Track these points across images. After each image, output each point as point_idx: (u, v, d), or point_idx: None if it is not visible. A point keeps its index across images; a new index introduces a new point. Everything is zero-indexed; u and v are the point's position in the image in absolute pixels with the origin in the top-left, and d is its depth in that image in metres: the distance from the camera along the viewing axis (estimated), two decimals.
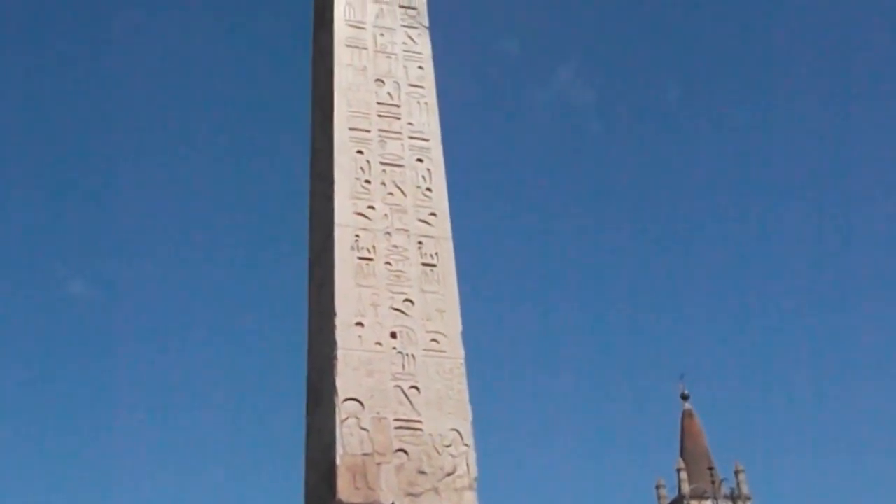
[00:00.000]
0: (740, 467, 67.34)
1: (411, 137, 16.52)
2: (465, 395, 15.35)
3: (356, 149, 16.12)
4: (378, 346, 15.17)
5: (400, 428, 14.91)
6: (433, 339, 15.47)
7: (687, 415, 72.83)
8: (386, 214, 15.91)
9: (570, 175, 43.44)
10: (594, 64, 44.36)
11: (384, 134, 16.38)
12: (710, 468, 60.11)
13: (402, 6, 17.37)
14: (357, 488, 14.50)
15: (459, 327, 15.67)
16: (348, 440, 14.62)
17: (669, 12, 44.58)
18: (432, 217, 16.14)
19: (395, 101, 16.66)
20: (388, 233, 15.81)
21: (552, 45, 44.52)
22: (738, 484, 65.70)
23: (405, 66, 16.98)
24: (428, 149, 16.52)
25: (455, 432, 15.10)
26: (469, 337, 15.63)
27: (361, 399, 14.84)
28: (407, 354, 15.27)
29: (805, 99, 45.34)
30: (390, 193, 16.05)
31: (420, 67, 17.07)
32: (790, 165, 44.82)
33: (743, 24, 45.19)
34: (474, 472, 15.04)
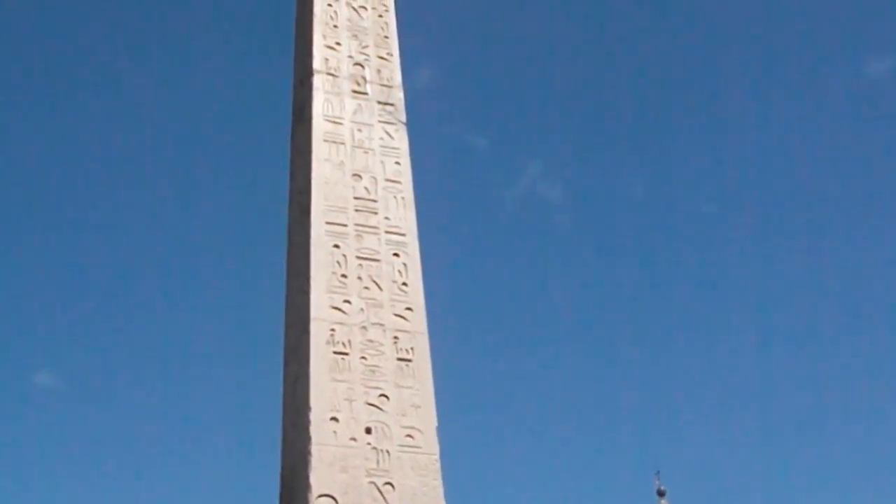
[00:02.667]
0: None
1: (388, 232, 16.57)
2: (440, 492, 15.22)
3: (333, 243, 16.15)
4: (353, 442, 15.06)
5: None
6: (408, 435, 15.37)
7: None
8: (362, 309, 15.89)
9: (542, 269, 43.96)
10: (561, 161, 45.17)
11: (361, 228, 16.42)
12: None
13: (379, 102, 17.53)
14: None
15: (435, 423, 15.58)
16: None
17: (635, 110, 45.40)
18: (408, 312, 16.12)
19: (372, 196, 16.73)
20: (364, 327, 15.78)
21: (520, 142, 45.34)
22: None
23: (382, 161, 17.09)
24: (404, 243, 16.57)
25: None
26: (444, 433, 15.54)
27: (335, 495, 14.69)
28: (382, 450, 15.15)
29: (773, 195, 45.89)
30: (366, 288, 16.05)
31: (397, 163, 17.18)
32: (757, 262, 45.33)
33: (707, 119, 46.00)
34: None
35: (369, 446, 15.10)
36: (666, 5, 47.65)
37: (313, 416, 14.96)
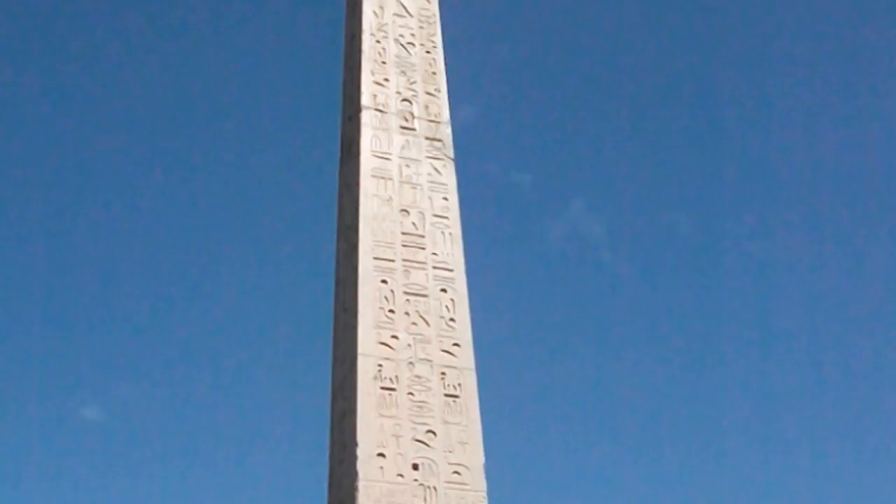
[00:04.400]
0: None
1: (435, 267, 16.55)
2: None
3: (380, 278, 16.14)
4: (400, 478, 14.99)
5: None
6: (455, 472, 15.29)
7: None
8: (409, 344, 15.85)
9: (586, 305, 44.00)
10: (604, 197, 45.23)
11: (408, 264, 16.41)
12: None
13: (427, 138, 17.56)
14: None
15: (482, 459, 15.50)
16: None
17: (679, 144, 45.43)
18: (456, 347, 16.07)
19: (420, 232, 16.73)
20: (412, 363, 15.74)
21: (563, 178, 45.43)
22: None
23: (430, 197, 17.10)
24: (452, 279, 16.54)
25: None
26: (492, 470, 15.45)
27: None
28: (429, 487, 15.08)
29: (820, 232, 45.60)
30: (414, 323, 16.02)
31: (445, 198, 17.18)
32: (803, 299, 44.95)
33: (752, 155, 45.91)
34: None
35: (416, 483, 15.03)
36: (706, 44, 47.49)
37: (360, 452, 14.92)
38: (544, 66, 47.79)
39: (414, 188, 17.08)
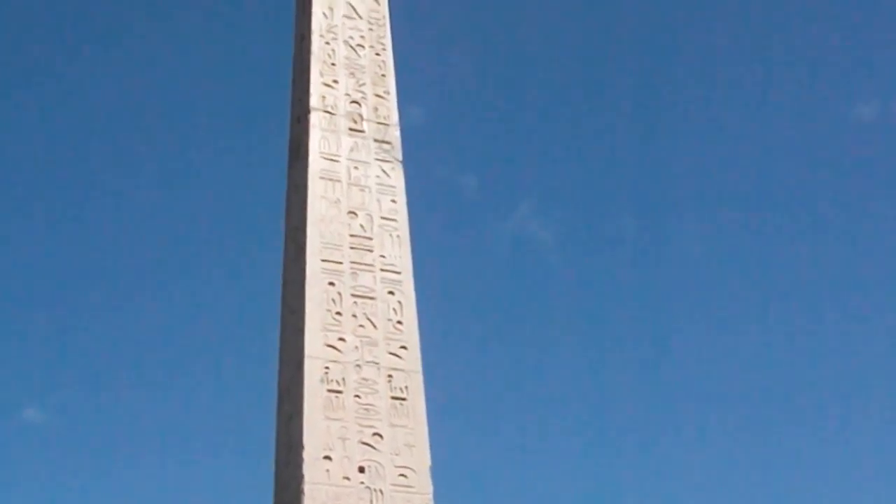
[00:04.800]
0: None
1: (383, 270, 16.54)
2: None
3: (328, 280, 16.11)
4: (346, 481, 14.97)
5: None
6: (402, 475, 15.28)
7: None
8: (356, 347, 15.84)
9: (533, 308, 44.10)
10: (551, 200, 45.38)
11: (356, 266, 16.39)
12: None
13: (376, 140, 17.54)
14: None
15: (429, 462, 15.51)
16: None
17: (624, 146, 45.65)
18: (403, 350, 16.07)
19: (368, 234, 16.72)
20: (359, 365, 15.72)
21: (511, 181, 45.59)
22: None
23: (378, 199, 17.09)
24: (399, 281, 16.53)
25: None
26: (438, 472, 15.46)
27: None
28: (375, 489, 15.06)
29: (765, 233, 45.92)
30: (361, 326, 16.00)
31: (393, 201, 17.18)
32: (751, 300, 45.24)
33: (697, 156, 46.16)
34: None
35: (363, 485, 15.02)
36: (650, 44, 47.73)
37: (306, 455, 14.88)
38: (491, 69, 47.90)
39: (362, 190, 17.06)
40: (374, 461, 15.22)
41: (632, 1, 48.59)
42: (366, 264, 16.46)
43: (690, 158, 47.00)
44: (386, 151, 17.55)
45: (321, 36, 18.05)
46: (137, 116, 46.88)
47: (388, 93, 18.07)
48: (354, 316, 16.01)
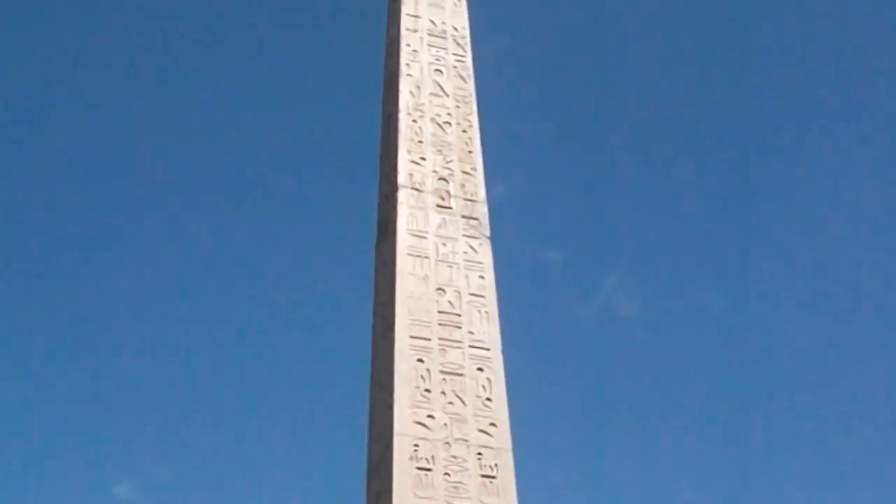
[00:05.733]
0: None
1: (472, 346, 16.47)
2: None
3: (417, 357, 16.07)
4: None
5: None
6: None
7: None
8: (445, 424, 15.74)
9: (621, 384, 43.71)
10: (637, 275, 45.15)
11: (444, 343, 16.34)
12: None
13: (464, 216, 17.57)
14: None
15: None
16: None
17: (712, 222, 45.31)
18: (492, 427, 15.94)
19: (456, 311, 16.68)
20: (448, 443, 15.61)
21: (595, 256, 45.44)
22: None
23: (466, 276, 17.07)
24: (488, 358, 16.45)
25: None
26: None
27: None
28: None
29: (855, 314, 45.03)
30: (450, 403, 15.91)
31: (481, 277, 17.15)
32: (834, 379, 44.25)
33: (786, 235, 45.65)
34: None
35: None
36: (733, 124, 47.51)
37: None
38: (575, 146, 47.98)
39: (450, 267, 17.06)
40: None
41: (711, 82, 48.48)
42: (454, 341, 16.40)
43: (778, 233, 46.54)
44: (473, 227, 17.56)
45: (408, 114, 18.20)
46: (228, 201, 47.48)
47: (475, 169, 18.12)
48: (443, 393, 15.93)
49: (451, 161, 18.02)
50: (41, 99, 48.85)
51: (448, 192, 17.69)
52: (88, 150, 48.09)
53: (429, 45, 19.15)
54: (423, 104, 18.39)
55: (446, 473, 15.41)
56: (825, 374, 44.53)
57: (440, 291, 16.76)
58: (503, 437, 15.93)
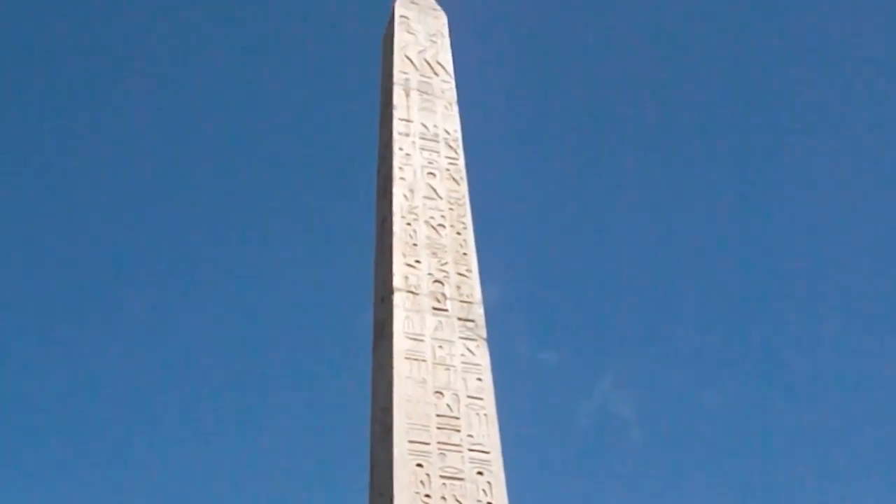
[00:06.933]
0: None
1: (471, 450, 16.31)
2: None
3: (416, 462, 15.90)
4: None
5: None
6: None
7: None
8: None
9: (618, 485, 43.35)
10: (632, 374, 45.06)
11: (444, 447, 16.18)
12: None
13: (460, 318, 17.51)
14: None
15: None
16: None
17: (708, 322, 45.33)
18: None
19: (455, 414, 16.54)
20: None
21: (591, 355, 45.35)
22: None
23: (464, 378, 16.96)
24: (488, 461, 16.28)
25: None
26: None
27: None
28: None
29: (856, 414, 44.75)
30: None
31: (479, 379, 17.04)
32: (840, 479, 43.89)
33: (784, 333, 45.59)
34: None
35: None
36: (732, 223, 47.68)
37: None
38: (568, 247, 48.14)
39: (448, 369, 16.96)
40: None
41: (711, 179, 48.79)
42: (454, 444, 16.24)
43: (776, 333, 46.50)
44: (470, 329, 17.49)
45: (403, 217, 18.23)
46: (217, 313, 47.34)
47: (470, 271, 18.11)
48: (444, 498, 15.74)
49: (446, 263, 18.02)
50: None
51: (444, 295, 17.66)
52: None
53: (421, 149, 19.25)
54: (416, 207, 18.43)
55: None
56: (828, 473, 44.21)
57: (438, 395, 16.64)
58: None
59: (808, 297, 46.71)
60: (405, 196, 18.49)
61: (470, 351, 17.29)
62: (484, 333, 17.54)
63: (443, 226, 18.43)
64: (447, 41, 21.05)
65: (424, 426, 16.27)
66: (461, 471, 16.08)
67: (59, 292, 47.59)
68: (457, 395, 16.76)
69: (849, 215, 47.65)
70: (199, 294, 47.92)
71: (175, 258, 48.48)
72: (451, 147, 19.50)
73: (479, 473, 16.15)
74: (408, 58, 20.43)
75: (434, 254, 18.08)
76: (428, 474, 15.87)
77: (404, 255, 17.84)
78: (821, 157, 48.36)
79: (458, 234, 18.48)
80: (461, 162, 19.39)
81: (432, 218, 18.44)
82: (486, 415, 16.70)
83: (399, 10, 21.20)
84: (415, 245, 18.03)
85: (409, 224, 18.20)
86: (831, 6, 49.81)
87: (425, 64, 20.46)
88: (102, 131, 49.30)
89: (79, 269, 48.09)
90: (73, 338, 46.93)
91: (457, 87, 20.41)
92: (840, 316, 46.06)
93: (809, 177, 48.49)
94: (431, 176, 18.98)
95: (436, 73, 20.40)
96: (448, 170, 19.18)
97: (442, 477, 15.92)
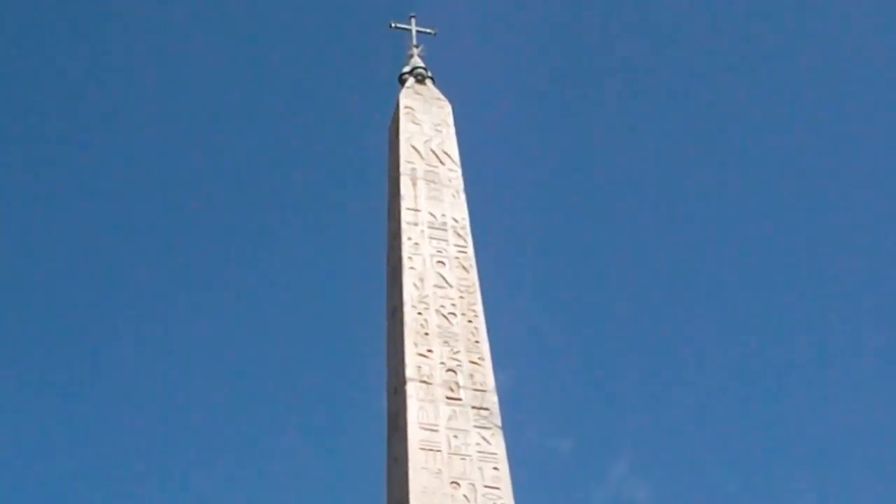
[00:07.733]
0: None
1: None
2: None
3: None
4: None
5: None
6: None
7: None
8: None
9: None
10: (647, 459, 44.50)
11: None
12: None
13: (474, 407, 17.37)
14: None
15: None
16: None
17: (723, 403, 44.92)
18: None
19: None
20: None
21: (604, 441, 44.84)
22: None
23: (480, 468, 16.78)
24: None
25: None
26: None
27: None
28: None
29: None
30: None
31: (495, 468, 16.86)
32: None
33: (807, 412, 45.04)
34: None
35: None
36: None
37: None
38: (577, 331, 47.93)
39: (463, 459, 16.79)
40: None
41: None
42: None
43: (797, 415, 46.07)
44: (484, 418, 17.34)
45: (413, 307, 18.17)
46: (220, 414, 47.03)
47: (482, 359, 18.00)
48: None
49: (458, 352, 17.91)
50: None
51: (457, 384, 17.53)
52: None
53: (430, 238, 19.25)
54: (427, 296, 18.37)
55: None
56: None
57: (454, 485, 16.45)
58: None
59: (830, 382, 46.36)
60: (415, 285, 18.45)
61: (485, 440, 17.11)
62: (498, 421, 17.38)
63: (454, 314, 18.36)
64: (452, 130, 21.15)
65: None
66: None
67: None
68: (473, 485, 16.56)
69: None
70: (206, 388, 47.67)
71: (184, 356, 48.35)
72: (459, 235, 19.50)
73: None
74: (414, 147, 20.53)
75: (446, 342, 17.98)
76: None
77: (416, 345, 17.73)
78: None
79: (469, 321, 18.40)
80: (470, 249, 19.37)
81: (443, 306, 18.37)
82: None
83: (404, 101, 21.36)
84: (426, 334, 17.93)
85: (419, 313, 18.12)
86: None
87: (431, 153, 20.55)
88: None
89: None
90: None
91: (463, 174, 20.49)
92: (861, 396, 45.74)
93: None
94: (441, 264, 18.95)
95: (442, 162, 20.49)
96: (457, 258, 19.16)
97: None
